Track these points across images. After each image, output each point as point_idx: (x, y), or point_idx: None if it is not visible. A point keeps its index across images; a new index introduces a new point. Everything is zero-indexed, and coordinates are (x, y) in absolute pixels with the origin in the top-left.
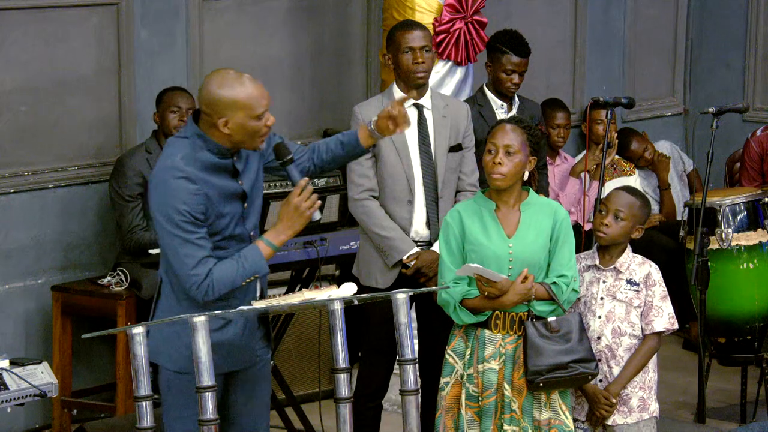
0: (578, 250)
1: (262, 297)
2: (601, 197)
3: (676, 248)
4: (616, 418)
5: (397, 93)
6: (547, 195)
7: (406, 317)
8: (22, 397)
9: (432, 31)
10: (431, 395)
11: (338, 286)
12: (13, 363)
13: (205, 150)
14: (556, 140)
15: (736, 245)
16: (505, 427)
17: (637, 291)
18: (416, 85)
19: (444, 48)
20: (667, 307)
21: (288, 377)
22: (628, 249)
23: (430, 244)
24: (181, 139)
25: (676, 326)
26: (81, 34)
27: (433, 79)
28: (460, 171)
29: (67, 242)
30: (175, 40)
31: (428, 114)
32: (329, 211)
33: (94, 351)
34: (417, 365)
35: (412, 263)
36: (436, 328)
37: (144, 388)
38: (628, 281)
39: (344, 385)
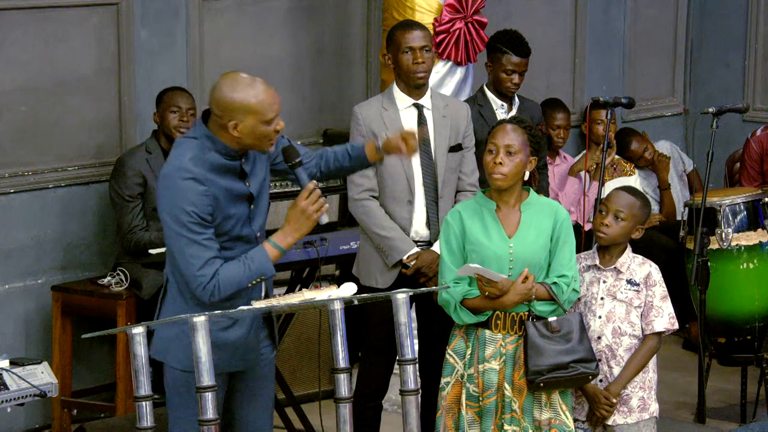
0: (578, 250)
1: (266, 298)
2: (601, 197)
3: (676, 248)
4: (616, 418)
5: (398, 93)
6: (547, 195)
7: (406, 317)
8: (22, 397)
9: (432, 31)
10: (431, 395)
11: (338, 286)
12: (13, 363)
13: (214, 151)
14: (556, 141)
15: (736, 245)
16: (506, 427)
17: (638, 291)
18: (416, 85)
19: (444, 48)
20: (668, 308)
21: (288, 377)
22: (629, 249)
23: (430, 244)
24: (189, 139)
25: (676, 326)
26: (81, 34)
27: (433, 79)
28: (460, 171)
29: (67, 242)
30: (175, 40)
31: (428, 114)
32: (329, 211)
33: (94, 351)
34: (417, 365)
35: (412, 263)
36: (436, 328)
37: (144, 388)
38: (629, 281)
39: (344, 385)
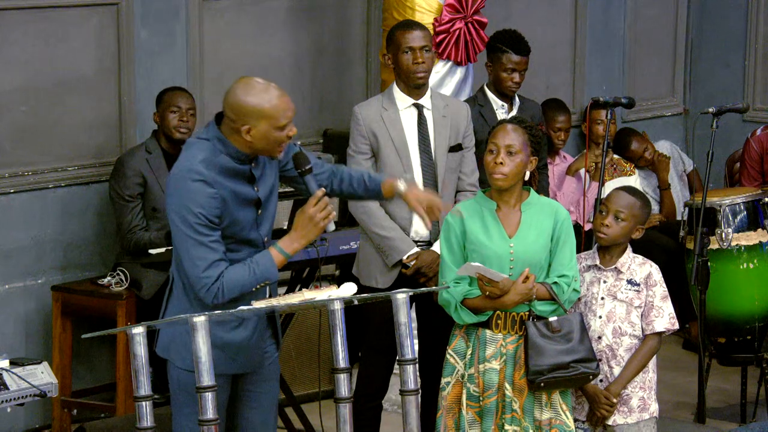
0: (578, 250)
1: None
2: (601, 197)
3: (676, 248)
4: (616, 418)
5: (398, 93)
6: (547, 195)
7: (406, 317)
8: (22, 397)
9: (432, 31)
10: (431, 395)
11: (338, 286)
12: (13, 363)
13: (225, 154)
14: (556, 143)
15: (736, 245)
16: (506, 427)
17: (638, 291)
18: (416, 85)
19: (444, 48)
20: (668, 308)
21: (288, 377)
22: (629, 249)
23: (430, 244)
24: (201, 140)
25: (676, 326)
26: (81, 34)
27: (433, 79)
28: (460, 171)
29: (67, 242)
30: (175, 40)
31: (428, 114)
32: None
33: (94, 351)
34: (417, 365)
35: (412, 263)
36: (436, 328)
37: (144, 388)
38: (629, 281)
39: (344, 385)
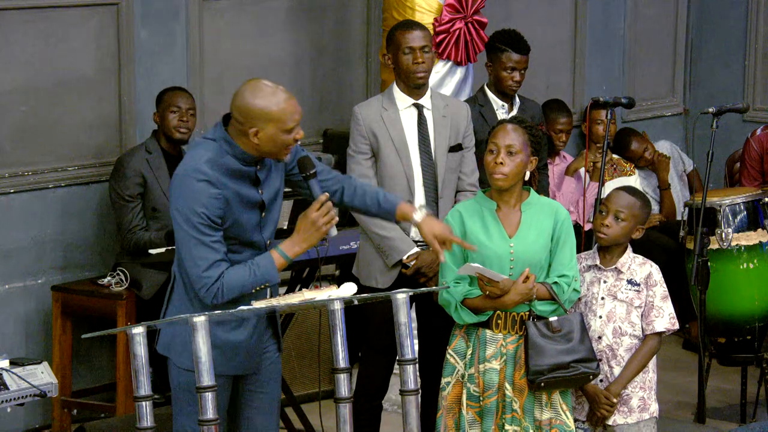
0: (578, 250)
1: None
2: (601, 197)
3: (676, 248)
4: (616, 418)
5: (398, 93)
6: (547, 195)
7: (406, 317)
8: (22, 397)
9: (432, 31)
10: (431, 395)
11: (338, 286)
12: (13, 363)
13: (230, 155)
14: (557, 144)
15: (736, 245)
16: (507, 426)
17: (638, 291)
18: (416, 85)
19: (444, 48)
20: (668, 308)
21: (288, 377)
22: (629, 249)
23: None
24: (208, 141)
25: (676, 326)
26: (81, 34)
27: (433, 79)
28: (460, 171)
29: (67, 242)
30: (175, 40)
31: (428, 114)
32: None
33: (94, 351)
34: (417, 365)
35: (412, 263)
36: (436, 328)
37: (144, 388)
38: (629, 281)
39: (344, 385)
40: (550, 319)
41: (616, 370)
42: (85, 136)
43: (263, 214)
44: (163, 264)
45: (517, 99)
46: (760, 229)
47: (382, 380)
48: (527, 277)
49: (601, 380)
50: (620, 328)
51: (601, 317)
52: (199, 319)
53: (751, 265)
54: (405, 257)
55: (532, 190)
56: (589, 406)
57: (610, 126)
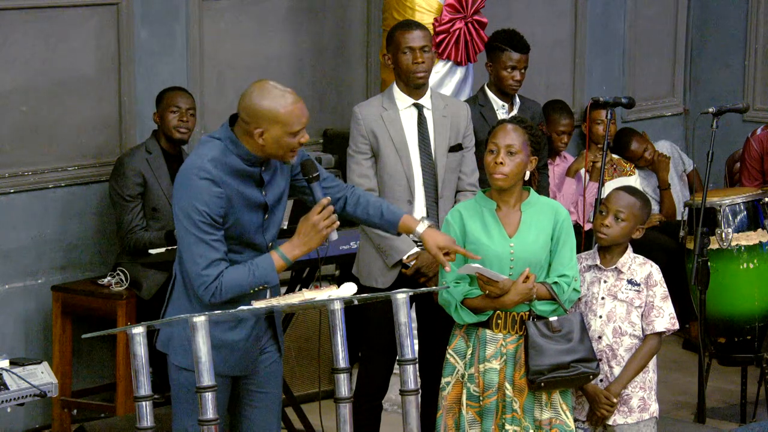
0: (578, 250)
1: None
2: (601, 198)
3: (676, 248)
4: (616, 418)
5: (398, 93)
6: (547, 195)
7: (406, 317)
8: (22, 397)
9: (432, 31)
10: (431, 395)
11: (338, 286)
12: (13, 363)
13: (235, 155)
14: (558, 145)
15: (736, 245)
16: (507, 426)
17: (638, 291)
18: (416, 85)
19: (444, 48)
20: (668, 308)
21: (288, 377)
22: (629, 249)
23: None
24: (214, 140)
25: (677, 327)
26: (81, 34)
27: (433, 79)
28: (460, 171)
29: (67, 242)
30: (175, 40)
31: (428, 114)
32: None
33: (94, 351)
34: (417, 365)
35: (412, 263)
36: (436, 328)
37: (144, 388)
38: (630, 281)
39: (344, 385)
40: (550, 318)
41: (616, 370)
42: (85, 136)
43: (266, 216)
44: (163, 264)
45: (518, 99)
46: (760, 229)
47: (382, 380)
48: (527, 277)
49: (601, 380)
50: (620, 327)
51: (601, 317)
52: (199, 320)
53: (751, 265)
54: (405, 257)
55: (532, 190)
56: (589, 406)
57: (610, 126)
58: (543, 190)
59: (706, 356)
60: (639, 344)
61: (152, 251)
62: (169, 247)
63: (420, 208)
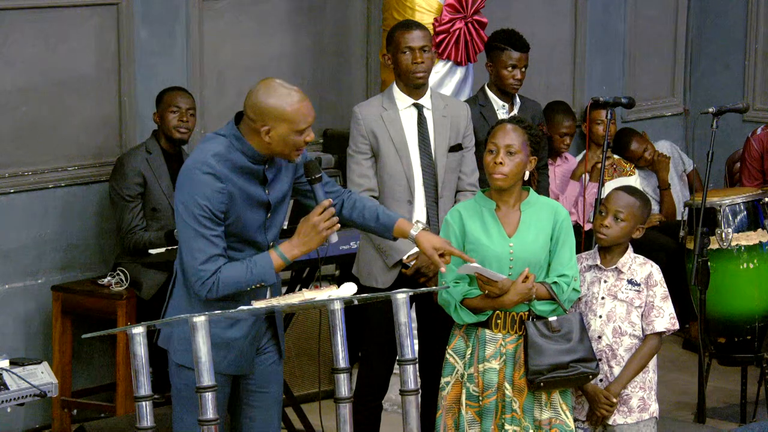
0: (578, 251)
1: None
2: (601, 198)
3: (676, 248)
4: (616, 418)
5: (398, 93)
6: (547, 195)
7: (406, 317)
8: (22, 397)
9: (432, 31)
10: (431, 395)
11: (338, 286)
12: (13, 363)
13: (239, 152)
14: (561, 147)
15: (736, 245)
16: (506, 426)
17: (639, 291)
18: (416, 85)
19: (444, 48)
20: (669, 308)
21: (288, 377)
22: (630, 249)
23: None
24: (218, 136)
25: (677, 327)
26: (81, 34)
27: (433, 79)
28: (460, 171)
29: (67, 242)
30: (175, 40)
31: (428, 114)
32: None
33: (94, 351)
34: (417, 365)
35: (412, 263)
36: (436, 328)
37: (144, 388)
38: (630, 281)
39: (344, 385)
40: (550, 318)
41: (616, 370)
42: (85, 136)
43: (269, 215)
44: (163, 264)
45: (518, 99)
46: (760, 229)
47: (382, 380)
48: (526, 277)
49: (600, 380)
50: (620, 327)
51: (601, 317)
52: (199, 320)
53: (751, 265)
54: (405, 257)
55: (531, 190)
56: (589, 406)
57: (610, 126)
58: (543, 190)
59: (706, 356)
60: (639, 344)
61: (152, 251)
62: (169, 247)
63: (420, 208)
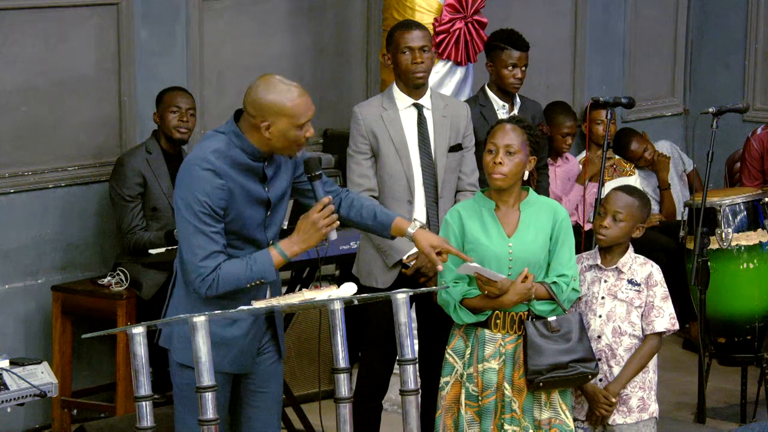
0: (578, 251)
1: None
2: (601, 198)
3: (676, 248)
4: (615, 418)
5: (398, 93)
6: (547, 195)
7: (406, 317)
8: (22, 397)
9: (432, 31)
10: (431, 395)
11: (338, 286)
12: (13, 363)
13: (239, 148)
14: (562, 147)
15: (736, 245)
16: (506, 426)
17: (639, 291)
18: (415, 85)
19: (444, 48)
20: (669, 308)
21: (288, 377)
22: (630, 249)
23: None
24: (218, 133)
25: (677, 327)
26: (81, 34)
27: (433, 79)
28: (460, 171)
29: (67, 242)
30: (175, 40)
31: (428, 114)
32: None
33: (94, 351)
34: (417, 365)
35: (412, 263)
36: (436, 328)
37: (144, 388)
38: (630, 281)
39: (344, 385)
40: (549, 318)
41: (616, 370)
42: (85, 136)
43: (268, 212)
44: (163, 264)
45: (518, 99)
46: (760, 229)
47: (382, 380)
48: (526, 277)
49: (600, 380)
50: (620, 327)
51: (601, 317)
52: (199, 319)
53: (751, 265)
54: (405, 257)
55: (531, 190)
56: (589, 406)
57: (610, 126)
58: (542, 190)
59: (706, 356)
60: (638, 344)
61: (152, 251)
62: (169, 247)
63: (420, 208)
